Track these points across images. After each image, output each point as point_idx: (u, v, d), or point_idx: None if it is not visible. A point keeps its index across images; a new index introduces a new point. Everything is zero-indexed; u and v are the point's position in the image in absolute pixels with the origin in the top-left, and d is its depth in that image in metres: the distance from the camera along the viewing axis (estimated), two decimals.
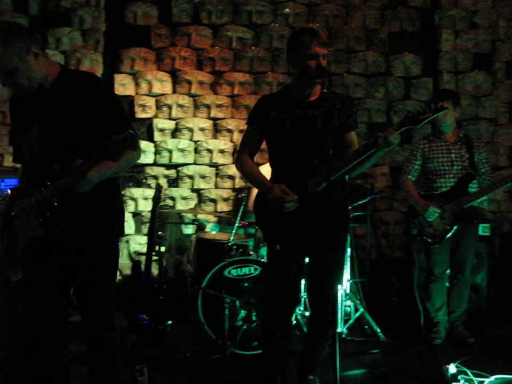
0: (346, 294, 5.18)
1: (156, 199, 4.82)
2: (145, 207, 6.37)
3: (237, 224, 4.93)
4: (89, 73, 2.89)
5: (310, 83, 3.25)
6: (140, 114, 6.54)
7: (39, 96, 2.71)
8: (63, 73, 2.78)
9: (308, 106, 3.31)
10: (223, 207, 6.50)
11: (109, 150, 2.44)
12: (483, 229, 5.37)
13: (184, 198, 6.52)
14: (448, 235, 4.76)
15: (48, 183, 2.63)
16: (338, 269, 3.47)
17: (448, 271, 4.94)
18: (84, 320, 2.94)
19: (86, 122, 2.68)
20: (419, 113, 3.11)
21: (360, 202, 5.47)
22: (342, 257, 3.49)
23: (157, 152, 6.54)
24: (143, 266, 4.76)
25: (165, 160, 6.52)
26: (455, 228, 4.75)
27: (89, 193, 2.64)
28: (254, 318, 4.43)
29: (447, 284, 4.97)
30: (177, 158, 6.51)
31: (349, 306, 5.26)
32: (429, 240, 4.80)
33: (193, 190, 6.58)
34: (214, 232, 5.90)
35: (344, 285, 5.17)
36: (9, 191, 2.93)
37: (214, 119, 6.63)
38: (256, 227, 4.79)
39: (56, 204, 2.63)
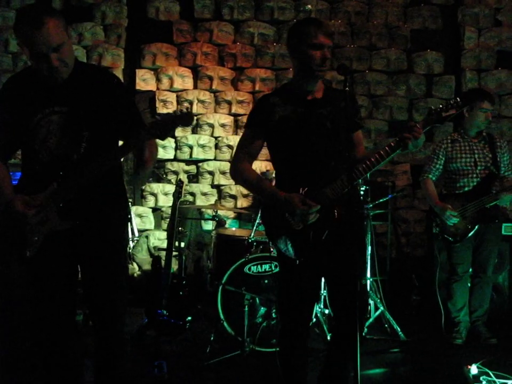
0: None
1: (177, 195, 4.82)
2: (165, 202, 6.39)
3: (257, 221, 4.91)
4: (104, 68, 2.91)
5: (313, 76, 3.00)
6: (161, 110, 6.55)
7: (55, 88, 2.69)
8: (79, 66, 2.78)
9: (314, 105, 3.06)
10: (243, 203, 6.50)
11: (159, 129, 2.51)
12: (505, 229, 5.31)
13: (204, 194, 6.53)
14: (470, 234, 4.72)
15: (61, 173, 2.63)
16: (359, 270, 3.26)
17: (470, 271, 4.90)
18: (93, 317, 2.91)
19: (103, 115, 2.71)
20: (441, 110, 2.90)
21: (381, 200, 5.45)
22: (361, 259, 3.25)
23: (177, 148, 6.56)
24: (163, 262, 4.77)
25: (185, 156, 6.54)
26: (476, 227, 4.71)
27: (101, 180, 2.66)
28: (273, 315, 4.42)
29: (469, 284, 4.93)
30: (197, 153, 6.51)
31: (369, 304, 5.23)
32: (450, 238, 4.76)
33: (213, 186, 6.59)
34: (233, 229, 5.89)
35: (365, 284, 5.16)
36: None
37: (235, 115, 6.62)
38: None
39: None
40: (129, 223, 6.16)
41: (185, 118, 2.54)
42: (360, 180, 3.02)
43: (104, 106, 2.71)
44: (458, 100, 2.90)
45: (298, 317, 3.12)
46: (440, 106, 2.92)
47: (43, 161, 2.69)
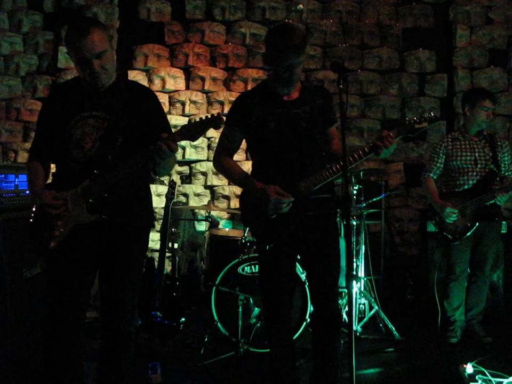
0: (360, 292, 5.15)
1: (170, 196, 4.81)
2: (158, 203, 6.36)
3: None
4: (143, 85, 3.25)
5: (286, 86, 3.15)
6: None
7: (95, 95, 2.93)
8: (121, 79, 3.08)
9: (290, 105, 3.19)
10: (236, 203, 6.47)
11: (190, 130, 2.76)
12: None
13: (198, 195, 6.52)
14: (469, 232, 4.71)
15: (95, 172, 2.83)
16: (335, 263, 3.30)
17: (468, 270, 4.90)
18: (105, 312, 3.02)
19: (137, 124, 2.94)
20: (415, 122, 3.06)
21: (374, 199, 5.45)
22: (335, 251, 3.32)
23: None
24: (156, 263, 4.75)
25: (178, 157, 6.51)
26: (476, 225, 4.71)
27: (130, 180, 2.89)
28: None
29: (466, 283, 4.92)
30: (190, 154, 6.50)
31: (363, 304, 5.24)
32: (450, 236, 4.75)
33: (206, 187, 6.58)
34: (227, 229, 5.89)
35: (359, 283, 5.16)
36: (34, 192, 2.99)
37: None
38: None
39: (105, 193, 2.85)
40: None
41: (216, 121, 2.76)
42: (339, 180, 3.13)
43: (138, 116, 2.94)
44: (432, 114, 3.09)
45: (277, 298, 3.29)
46: (415, 118, 3.09)
47: (79, 160, 2.88)
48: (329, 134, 3.32)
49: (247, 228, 4.30)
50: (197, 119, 2.79)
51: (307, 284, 4.35)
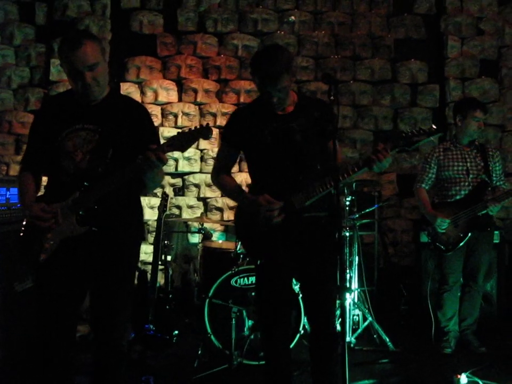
0: (354, 303, 5.14)
1: (162, 208, 4.80)
2: (152, 216, 6.35)
3: None
4: (135, 100, 3.26)
5: (279, 106, 3.14)
6: None
7: (87, 107, 2.93)
8: (114, 92, 3.10)
9: (285, 119, 3.16)
10: (230, 215, 6.47)
11: (179, 140, 2.77)
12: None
13: (191, 207, 6.51)
14: (462, 243, 4.71)
15: (86, 184, 2.82)
16: (332, 279, 3.20)
17: (461, 281, 4.89)
18: (96, 326, 2.99)
19: (128, 138, 2.92)
20: (413, 135, 2.98)
21: (367, 210, 5.44)
22: (332, 268, 3.22)
23: None
24: (149, 276, 4.73)
25: (171, 169, 6.51)
26: (469, 235, 4.70)
27: (119, 194, 2.87)
28: None
29: (459, 293, 4.91)
30: (183, 166, 6.49)
31: (357, 315, 5.22)
32: (443, 247, 4.74)
33: (199, 199, 6.57)
34: (220, 241, 5.87)
35: (352, 294, 5.14)
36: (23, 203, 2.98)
37: (220, 128, 6.59)
38: None
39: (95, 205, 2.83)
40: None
41: (204, 132, 2.77)
42: (333, 191, 3.04)
43: (129, 130, 2.93)
44: (434, 127, 2.99)
45: (273, 313, 3.24)
46: (413, 131, 3.01)
47: (69, 172, 2.87)
48: (329, 148, 3.20)
49: (240, 242, 4.28)
50: (186, 130, 2.81)
51: (300, 295, 4.33)
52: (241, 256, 4.74)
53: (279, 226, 3.07)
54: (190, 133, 2.77)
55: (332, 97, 2.81)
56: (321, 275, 3.18)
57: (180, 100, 6.66)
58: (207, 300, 4.47)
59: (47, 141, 2.94)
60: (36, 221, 2.81)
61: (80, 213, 2.83)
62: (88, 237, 2.85)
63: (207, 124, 2.79)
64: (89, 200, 2.82)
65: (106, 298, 2.95)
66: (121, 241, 2.97)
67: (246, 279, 4.53)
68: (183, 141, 2.77)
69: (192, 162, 6.52)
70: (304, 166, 3.13)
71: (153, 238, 5.50)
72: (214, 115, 6.59)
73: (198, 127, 2.78)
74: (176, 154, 6.43)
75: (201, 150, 6.55)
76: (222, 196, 6.50)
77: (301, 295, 4.33)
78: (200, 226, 5.43)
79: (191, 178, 6.54)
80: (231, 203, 6.46)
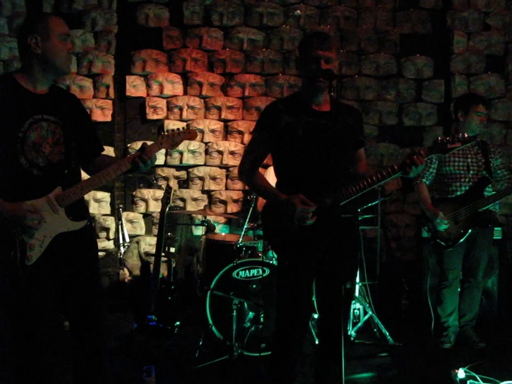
0: (355, 297, 5.16)
1: (165, 201, 4.84)
2: (156, 208, 6.39)
3: (246, 226, 4.92)
4: (67, 90, 3.28)
5: (315, 87, 3.09)
6: (151, 116, 6.58)
7: (39, 97, 2.82)
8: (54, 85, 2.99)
9: (320, 116, 3.12)
10: (233, 208, 6.51)
11: (167, 139, 2.97)
12: (494, 233, 5.30)
13: (195, 199, 6.54)
14: (462, 239, 4.71)
15: (64, 178, 2.79)
16: (353, 281, 3.23)
17: (460, 276, 4.90)
18: (78, 326, 2.94)
19: (80, 128, 2.96)
20: (448, 142, 3.00)
21: (370, 204, 5.44)
22: (355, 269, 3.29)
23: (167, 153, 6.56)
24: (151, 267, 4.78)
25: (175, 162, 6.55)
26: (469, 231, 4.71)
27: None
28: (262, 319, 4.41)
29: (459, 289, 4.93)
30: (187, 159, 6.53)
31: (358, 309, 5.24)
32: (443, 243, 4.74)
33: (203, 191, 6.61)
34: (223, 234, 5.91)
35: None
36: None
37: (225, 121, 6.64)
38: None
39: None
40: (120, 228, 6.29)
41: (191, 134, 3.05)
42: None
43: (78, 122, 2.96)
44: (466, 135, 3.02)
45: (292, 321, 3.16)
46: (448, 138, 3.03)
47: (39, 165, 2.74)
48: (357, 155, 3.28)
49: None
50: (176, 129, 3.02)
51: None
52: (243, 249, 4.78)
53: (310, 227, 3.02)
54: (178, 133, 3.01)
55: (332, 93, 2.84)
56: (346, 276, 3.09)
57: (185, 93, 6.67)
58: (209, 292, 4.51)
59: (5, 132, 2.70)
60: (24, 221, 2.62)
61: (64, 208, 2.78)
62: (81, 231, 2.87)
63: (194, 130, 3.08)
64: (75, 196, 2.79)
65: (87, 295, 2.93)
66: (89, 233, 3.03)
67: (247, 271, 4.56)
68: (171, 141, 3.00)
69: (197, 155, 6.56)
70: (335, 164, 3.06)
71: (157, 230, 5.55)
72: (219, 108, 6.61)
73: (186, 128, 2.87)
74: (181, 147, 6.44)
75: (206, 143, 6.58)
76: (226, 189, 6.54)
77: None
78: (203, 219, 5.46)
79: (196, 171, 6.57)
80: (235, 196, 6.50)
